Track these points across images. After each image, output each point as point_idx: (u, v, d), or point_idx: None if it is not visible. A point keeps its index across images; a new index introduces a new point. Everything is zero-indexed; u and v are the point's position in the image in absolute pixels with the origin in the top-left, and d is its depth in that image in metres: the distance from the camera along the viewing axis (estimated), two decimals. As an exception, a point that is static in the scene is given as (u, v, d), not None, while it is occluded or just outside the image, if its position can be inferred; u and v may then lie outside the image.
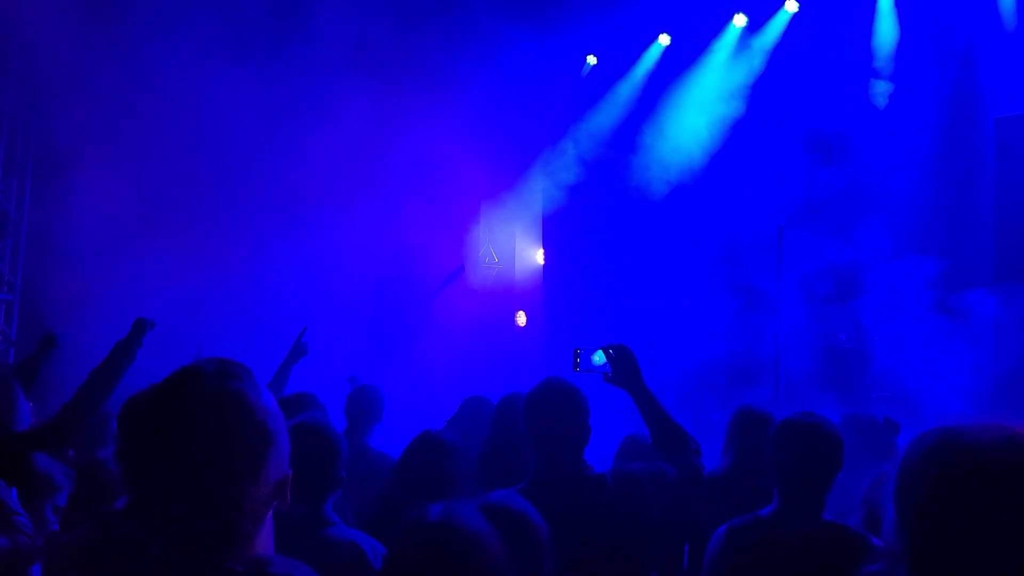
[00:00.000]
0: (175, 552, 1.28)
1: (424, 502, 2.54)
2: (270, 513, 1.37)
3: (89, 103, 6.93)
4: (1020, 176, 6.61)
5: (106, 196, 6.91)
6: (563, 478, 2.55)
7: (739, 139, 7.94)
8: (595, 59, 9.22)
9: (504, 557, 1.60)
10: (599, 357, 2.93)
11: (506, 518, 2.00)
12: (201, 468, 1.26)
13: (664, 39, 8.73)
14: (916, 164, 6.98)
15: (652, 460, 2.72)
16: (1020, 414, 6.29)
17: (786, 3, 7.91)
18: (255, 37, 7.09)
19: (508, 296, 9.54)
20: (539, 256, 9.81)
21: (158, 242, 7.16)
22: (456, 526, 1.61)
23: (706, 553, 2.64)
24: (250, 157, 7.51)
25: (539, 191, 9.73)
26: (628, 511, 2.52)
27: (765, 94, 7.91)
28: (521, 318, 9.62)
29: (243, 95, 7.22)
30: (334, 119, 7.52)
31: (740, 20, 8.24)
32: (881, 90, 7.13)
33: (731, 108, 8.09)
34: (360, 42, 7.40)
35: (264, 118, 7.42)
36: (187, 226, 7.31)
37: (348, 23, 7.26)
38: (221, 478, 1.27)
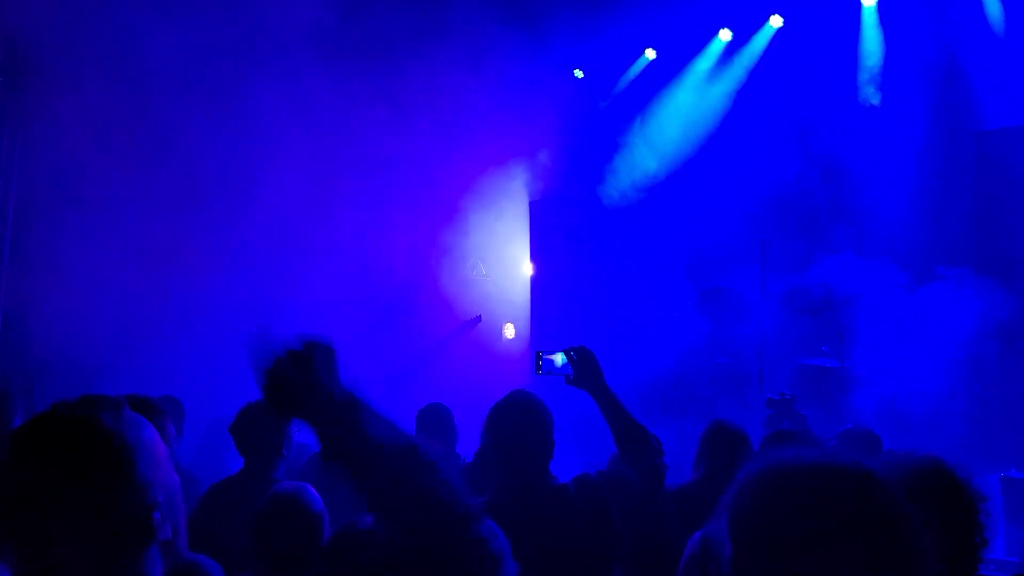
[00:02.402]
0: None
1: None
2: (150, 554, 1.31)
3: (79, 116, 6.86)
4: (1000, 190, 6.68)
5: (94, 209, 6.86)
6: (528, 490, 2.57)
7: (723, 152, 8.01)
8: (582, 73, 9.29)
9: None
10: (560, 360, 2.94)
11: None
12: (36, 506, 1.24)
13: (650, 53, 8.81)
14: (898, 178, 7.06)
15: (615, 466, 2.74)
16: (1002, 422, 6.33)
17: (771, 19, 8.00)
18: (241, 42, 7.04)
19: (497, 308, 9.55)
20: (527, 268, 9.84)
21: (147, 256, 7.10)
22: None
23: (681, 560, 2.65)
24: (235, 164, 7.41)
25: (528, 203, 9.77)
26: (591, 519, 2.55)
27: (749, 108, 7.99)
28: (510, 331, 9.62)
29: (231, 105, 7.18)
30: (312, 123, 7.48)
31: (725, 35, 8.33)
32: (868, 97, 7.22)
33: (715, 121, 8.17)
34: (342, 45, 7.35)
35: (245, 124, 7.31)
36: (174, 242, 7.23)
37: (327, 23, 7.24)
38: (59, 510, 1.24)
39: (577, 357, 2.88)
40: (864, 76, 7.41)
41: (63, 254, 6.87)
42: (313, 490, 2.60)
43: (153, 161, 7.02)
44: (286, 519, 2.47)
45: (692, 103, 8.44)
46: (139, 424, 1.35)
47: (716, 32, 8.36)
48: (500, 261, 9.70)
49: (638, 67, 8.92)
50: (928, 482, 1.91)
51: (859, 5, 7.53)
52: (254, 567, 2.53)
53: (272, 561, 2.47)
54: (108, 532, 1.26)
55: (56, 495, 1.24)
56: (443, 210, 8.80)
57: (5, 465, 1.28)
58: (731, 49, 8.32)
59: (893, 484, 1.13)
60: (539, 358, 3.03)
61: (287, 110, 7.41)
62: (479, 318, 8.28)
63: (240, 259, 7.48)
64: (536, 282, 9.73)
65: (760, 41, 8.11)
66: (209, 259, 7.31)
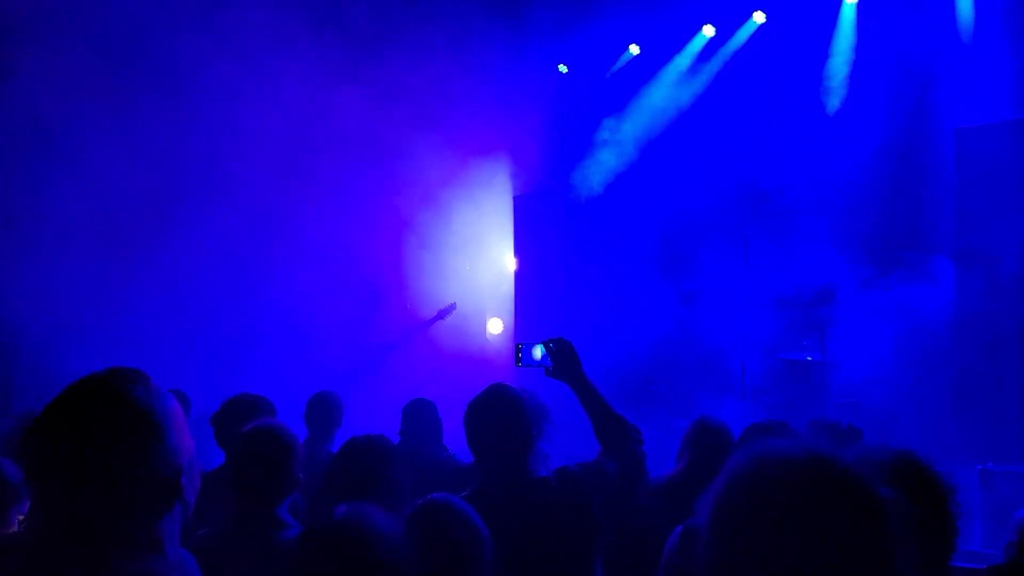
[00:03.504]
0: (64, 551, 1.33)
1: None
2: (169, 517, 1.42)
3: (52, 97, 6.64)
4: (979, 186, 6.75)
5: (67, 197, 6.67)
6: (507, 484, 2.57)
7: (706, 146, 8.04)
8: (566, 67, 9.28)
9: (409, 560, 1.63)
10: (540, 351, 2.95)
11: (447, 520, 2.03)
12: (80, 466, 1.34)
13: (634, 49, 8.83)
14: (879, 173, 7.12)
15: (596, 457, 2.76)
16: (980, 415, 6.40)
17: (754, 15, 8.04)
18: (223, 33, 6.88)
19: (480, 303, 9.53)
20: (511, 263, 9.83)
21: (118, 237, 6.87)
22: (358, 526, 1.65)
23: (663, 553, 2.66)
24: (209, 144, 7.13)
25: (511, 197, 9.76)
26: (572, 512, 2.56)
27: (732, 102, 8.02)
28: (495, 326, 9.59)
29: (205, 84, 6.96)
30: (289, 104, 7.31)
31: (709, 31, 8.37)
32: (835, 98, 7.29)
33: (698, 116, 8.21)
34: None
35: (220, 103, 7.07)
36: (144, 223, 7.01)
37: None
38: (98, 472, 1.34)
39: (556, 348, 2.90)
40: (845, 72, 7.46)
41: (32, 228, 6.64)
42: (286, 426, 2.74)
43: (126, 138, 6.72)
44: (261, 447, 2.60)
45: (675, 98, 8.47)
46: (166, 394, 1.46)
47: (699, 28, 8.40)
48: (484, 256, 9.68)
49: (622, 62, 8.94)
50: (899, 473, 1.94)
51: (840, 2, 7.59)
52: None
53: (247, 487, 2.58)
54: (140, 492, 1.37)
55: (93, 456, 1.33)
56: (425, 203, 8.74)
57: (44, 426, 1.37)
58: (714, 45, 8.36)
59: (871, 477, 1.14)
60: (519, 350, 3.04)
61: (263, 87, 7.17)
62: (453, 306, 8.23)
63: (214, 242, 7.23)
64: (520, 277, 9.73)
65: (743, 37, 8.15)
66: (182, 241, 7.06)
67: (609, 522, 2.64)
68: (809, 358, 6.44)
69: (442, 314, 8.21)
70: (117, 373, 1.43)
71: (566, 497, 2.57)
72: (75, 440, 1.34)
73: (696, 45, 8.46)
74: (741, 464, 1.17)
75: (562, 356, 2.88)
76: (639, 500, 2.84)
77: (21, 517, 3.08)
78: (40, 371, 6.39)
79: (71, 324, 6.45)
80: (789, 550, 1.07)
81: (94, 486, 1.33)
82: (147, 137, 6.85)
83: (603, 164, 8.60)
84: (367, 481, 2.74)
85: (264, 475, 2.56)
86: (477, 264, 9.56)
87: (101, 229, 6.83)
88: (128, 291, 6.84)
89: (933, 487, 2.01)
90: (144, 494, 1.37)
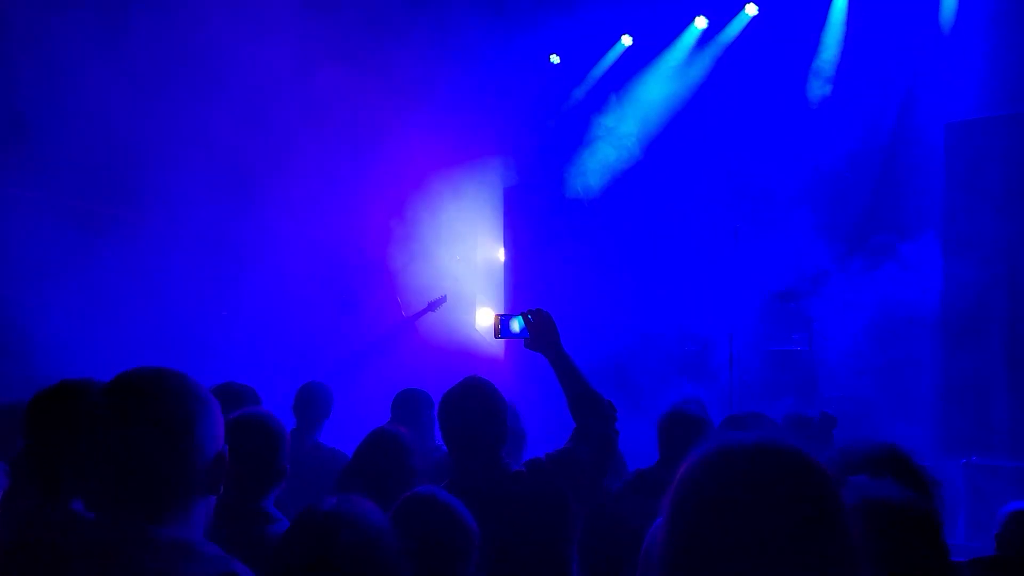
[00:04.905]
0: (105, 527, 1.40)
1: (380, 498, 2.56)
2: (203, 502, 1.48)
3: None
4: (969, 180, 6.78)
5: (40, 187, 6.50)
6: (481, 478, 2.56)
7: (697, 139, 8.04)
8: (558, 58, 9.25)
9: (399, 550, 1.63)
10: (518, 324, 2.96)
11: (436, 511, 2.02)
12: (130, 441, 1.42)
13: (626, 40, 8.81)
14: (867, 166, 7.14)
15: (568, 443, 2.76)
16: (963, 411, 6.44)
17: (746, 7, 8.02)
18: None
19: (469, 294, 9.52)
20: (500, 255, 9.82)
21: (85, 220, 6.70)
22: (349, 516, 1.64)
23: (643, 546, 2.66)
24: (192, 144, 6.96)
25: (501, 188, 9.74)
26: (544, 504, 2.56)
27: (723, 95, 8.02)
28: (484, 316, 9.58)
29: (185, 67, 6.78)
30: (275, 88, 7.14)
31: (701, 22, 8.35)
32: (825, 90, 7.31)
33: (689, 109, 8.20)
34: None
35: (200, 86, 6.85)
36: (115, 208, 6.88)
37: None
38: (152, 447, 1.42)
39: (534, 320, 2.90)
40: (836, 65, 7.46)
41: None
42: (274, 415, 2.70)
43: (95, 117, 6.40)
44: (247, 437, 2.53)
45: (667, 90, 8.46)
46: (204, 390, 1.56)
47: (692, 19, 8.37)
48: (473, 247, 9.67)
49: (614, 54, 8.92)
50: (883, 467, 1.94)
51: (832, -4, 7.60)
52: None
53: (231, 478, 2.52)
54: (181, 479, 1.44)
55: (149, 437, 1.42)
56: (414, 193, 8.69)
57: (105, 411, 1.45)
58: (706, 37, 8.34)
59: (824, 468, 1.13)
60: (498, 322, 3.06)
61: (245, 66, 6.92)
62: (444, 298, 8.19)
63: (193, 225, 7.04)
64: (509, 269, 9.72)
65: (735, 29, 8.14)
66: (159, 224, 6.88)
67: (582, 509, 2.63)
68: (797, 349, 6.46)
69: (432, 306, 8.17)
70: (161, 370, 1.52)
71: (540, 490, 2.56)
72: (132, 423, 1.42)
73: (689, 37, 8.44)
74: (695, 458, 1.17)
75: (540, 328, 2.88)
76: (611, 484, 2.83)
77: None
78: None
79: (41, 304, 6.25)
80: (738, 541, 1.06)
81: (141, 472, 1.41)
82: (116, 113, 6.43)
83: (594, 156, 8.58)
84: (393, 469, 2.76)
85: (249, 466, 2.50)
86: (467, 255, 9.54)
87: (72, 207, 6.63)
88: (102, 272, 6.56)
89: (918, 481, 2.03)
90: (184, 482, 1.44)
